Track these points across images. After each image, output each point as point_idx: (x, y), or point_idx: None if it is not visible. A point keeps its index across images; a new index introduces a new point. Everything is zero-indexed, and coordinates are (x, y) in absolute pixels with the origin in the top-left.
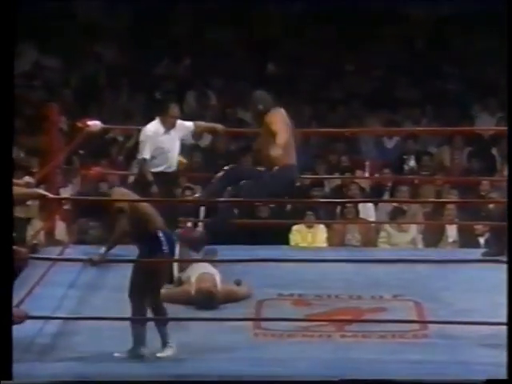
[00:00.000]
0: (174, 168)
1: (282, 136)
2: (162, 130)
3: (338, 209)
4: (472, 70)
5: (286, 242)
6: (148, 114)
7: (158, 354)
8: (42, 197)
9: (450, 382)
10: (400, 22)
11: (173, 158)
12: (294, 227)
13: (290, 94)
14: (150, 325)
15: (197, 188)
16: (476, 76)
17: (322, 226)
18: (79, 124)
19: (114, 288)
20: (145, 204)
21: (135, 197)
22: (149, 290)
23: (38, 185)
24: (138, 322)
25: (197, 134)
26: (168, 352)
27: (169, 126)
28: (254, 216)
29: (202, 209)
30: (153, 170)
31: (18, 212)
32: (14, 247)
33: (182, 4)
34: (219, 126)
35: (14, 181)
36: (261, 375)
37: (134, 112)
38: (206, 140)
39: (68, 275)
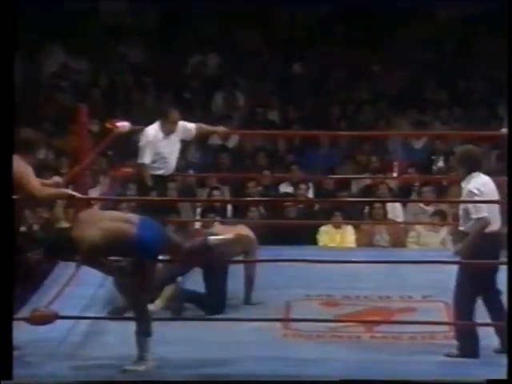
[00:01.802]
0: (171, 171)
1: None
2: (161, 134)
3: (366, 209)
4: (500, 70)
5: (314, 242)
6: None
7: (128, 367)
8: (70, 197)
9: (450, 382)
10: (427, 22)
11: (172, 163)
12: (322, 228)
13: (317, 95)
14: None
15: (224, 188)
16: (504, 76)
17: (349, 227)
18: (108, 125)
19: None
20: (111, 217)
21: (105, 214)
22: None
23: (66, 185)
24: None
25: (201, 136)
26: (141, 367)
27: (169, 130)
28: (281, 216)
29: (230, 207)
30: (152, 173)
31: (45, 213)
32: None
33: (209, 4)
34: (221, 129)
35: (44, 181)
36: (289, 375)
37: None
38: (233, 140)
39: (97, 275)
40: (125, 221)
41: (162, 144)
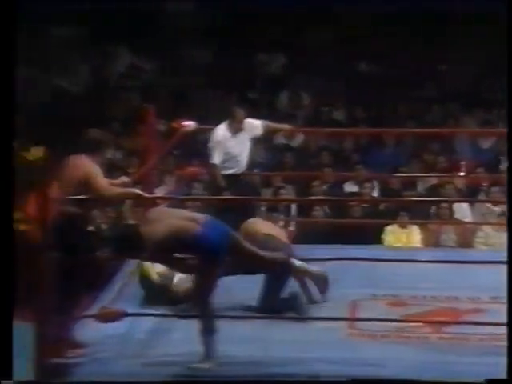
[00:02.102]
0: (242, 170)
1: None
2: (229, 134)
3: (433, 209)
4: None
5: (379, 242)
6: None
7: (193, 365)
8: (137, 196)
9: (450, 382)
10: (492, 21)
11: (242, 161)
12: (388, 227)
13: (384, 94)
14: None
15: (289, 187)
16: None
17: (415, 227)
18: (174, 125)
19: None
20: (178, 215)
21: (172, 211)
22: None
23: (134, 185)
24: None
25: (267, 134)
26: (207, 365)
27: (236, 129)
28: (346, 215)
29: (294, 207)
30: (223, 172)
31: (113, 212)
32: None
33: (275, 4)
34: (286, 126)
35: (111, 181)
36: (354, 375)
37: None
38: (298, 140)
39: None
40: (191, 219)
41: (230, 143)
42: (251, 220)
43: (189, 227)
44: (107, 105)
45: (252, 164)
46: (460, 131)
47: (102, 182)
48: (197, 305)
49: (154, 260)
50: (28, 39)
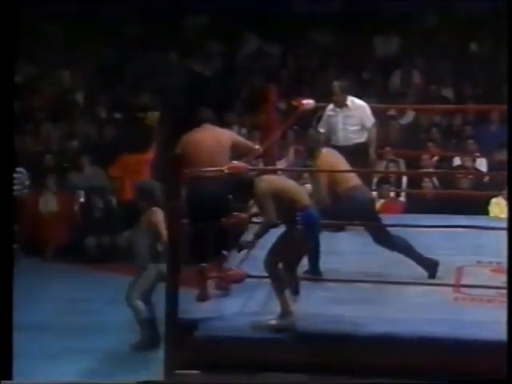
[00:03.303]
0: (345, 143)
1: None
2: (332, 108)
3: None
4: None
5: (485, 213)
6: (356, 94)
7: (271, 322)
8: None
9: (450, 381)
10: None
11: (339, 136)
12: (493, 199)
13: (495, 73)
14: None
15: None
16: None
17: None
18: (294, 103)
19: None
20: (290, 184)
21: (283, 181)
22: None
23: (257, 158)
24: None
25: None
26: (283, 322)
27: (338, 105)
28: (454, 187)
29: (405, 179)
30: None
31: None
32: (235, 213)
33: None
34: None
35: (249, 143)
36: (459, 338)
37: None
38: (409, 117)
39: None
40: (303, 192)
41: (328, 118)
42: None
43: (298, 197)
44: (234, 86)
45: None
46: None
47: (248, 142)
48: (270, 266)
49: (258, 207)
50: (168, 30)
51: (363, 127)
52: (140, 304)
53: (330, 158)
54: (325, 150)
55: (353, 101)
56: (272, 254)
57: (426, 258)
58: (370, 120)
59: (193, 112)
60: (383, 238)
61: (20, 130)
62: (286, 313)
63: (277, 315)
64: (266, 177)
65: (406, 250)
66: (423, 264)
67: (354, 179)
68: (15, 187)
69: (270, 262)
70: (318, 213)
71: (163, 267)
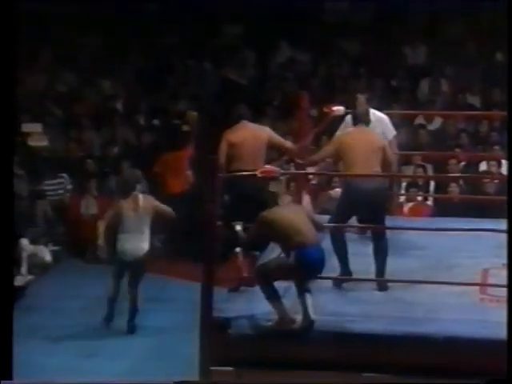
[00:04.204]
0: None
1: None
2: (351, 121)
3: None
4: None
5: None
6: (384, 101)
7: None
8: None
9: (450, 381)
10: None
11: None
12: None
13: None
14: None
15: (428, 166)
16: None
17: None
18: (325, 109)
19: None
20: (293, 221)
21: (287, 217)
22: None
23: (288, 162)
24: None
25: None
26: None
27: (357, 117)
28: (481, 192)
29: (432, 183)
30: None
31: (272, 187)
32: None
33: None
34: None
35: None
36: (485, 337)
37: (372, 99)
38: (436, 123)
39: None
40: (307, 230)
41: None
42: None
43: (297, 238)
44: (267, 92)
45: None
46: None
47: (286, 142)
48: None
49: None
50: (201, 38)
51: (385, 139)
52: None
53: None
54: None
55: (374, 113)
56: (264, 267)
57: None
58: (391, 132)
59: (229, 111)
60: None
61: (64, 136)
62: (282, 318)
63: (274, 319)
64: (275, 208)
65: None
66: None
67: None
68: (58, 191)
69: (260, 274)
70: (320, 252)
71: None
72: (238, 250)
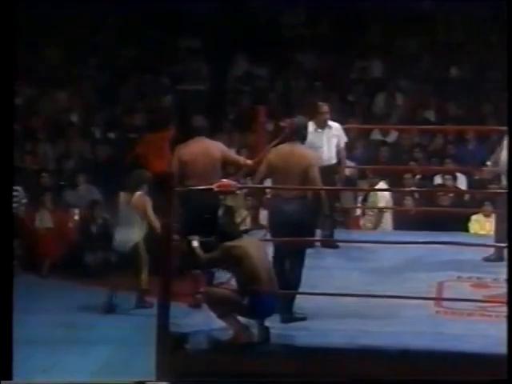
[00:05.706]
0: (328, 163)
1: None
2: (314, 128)
3: None
4: None
5: (465, 230)
6: (341, 115)
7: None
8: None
9: (451, 382)
10: None
11: (324, 155)
12: (473, 216)
13: (472, 97)
14: None
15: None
16: None
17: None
18: (282, 123)
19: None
20: (256, 263)
21: (256, 259)
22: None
23: (246, 176)
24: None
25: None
26: None
27: (319, 124)
28: (436, 205)
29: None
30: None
31: (229, 201)
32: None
33: (373, 12)
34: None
35: (236, 157)
36: (441, 350)
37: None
38: (392, 136)
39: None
40: (266, 279)
41: (313, 136)
42: None
43: (254, 282)
44: (224, 106)
45: (349, 158)
46: None
47: (238, 157)
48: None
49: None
50: (158, 52)
51: (339, 147)
52: None
53: None
54: None
55: (334, 124)
56: (213, 295)
57: None
58: (344, 140)
59: (186, 124)
60: None
61: (19, 149)
62: (238, 332)
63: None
64: (242, 243)
65: None
66: None
67: None
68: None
69: (208, 299)
70: (273, 302)
71: None
72: (195, 269)
